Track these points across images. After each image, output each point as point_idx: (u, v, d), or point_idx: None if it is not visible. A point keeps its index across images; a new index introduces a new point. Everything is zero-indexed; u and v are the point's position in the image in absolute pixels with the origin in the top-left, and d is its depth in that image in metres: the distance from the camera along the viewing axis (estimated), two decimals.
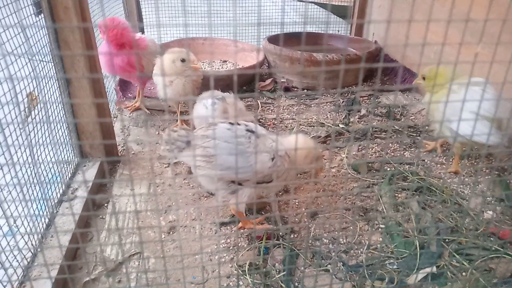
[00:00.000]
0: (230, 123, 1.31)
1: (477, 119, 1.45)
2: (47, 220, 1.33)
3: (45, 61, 1.41)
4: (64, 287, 1.17)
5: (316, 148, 1.32)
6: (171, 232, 1.42)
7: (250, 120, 1.60)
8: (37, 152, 1.26)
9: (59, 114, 1.53)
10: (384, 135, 2.09)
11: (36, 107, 1.25)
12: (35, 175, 1.24)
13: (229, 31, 3.22)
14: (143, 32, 3.17)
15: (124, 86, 2.59)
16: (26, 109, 1.18)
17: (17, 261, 1.10)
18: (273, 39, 2.87)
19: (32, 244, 1.19)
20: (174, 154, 1.28)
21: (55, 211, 1.39)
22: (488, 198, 1.63)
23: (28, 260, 1.15)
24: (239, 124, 1.30)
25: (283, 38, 2.86)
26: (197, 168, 1.28)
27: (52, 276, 1.09)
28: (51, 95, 1.44)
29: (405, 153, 1.94)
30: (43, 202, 1.32)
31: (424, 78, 1.72)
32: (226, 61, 3.05)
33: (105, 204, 1.55)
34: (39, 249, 1.20)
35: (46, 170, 1.35)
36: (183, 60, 1.84)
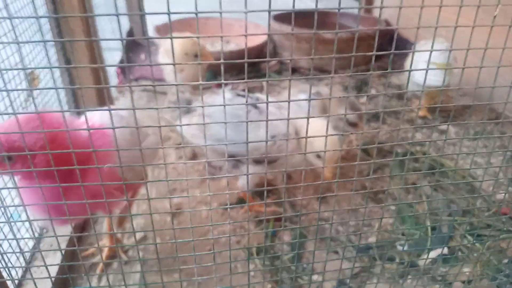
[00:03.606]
0: (238, 94, 1.26)
1: (426, 65, 1.72)
2: None
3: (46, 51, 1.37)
4: (71, 268, 1.16)
5: (337, 151, 1.21)
6: (176, 215, 1.41)
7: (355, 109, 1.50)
8: None
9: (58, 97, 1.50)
10: (394, 115, 2.04)
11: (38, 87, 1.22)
12: None
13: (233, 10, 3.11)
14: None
15: (125, 68, 2.54)
16: None
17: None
18: (278, 18, 2.78)
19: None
20: (176, 116, 1.26)
21: None
22: (500, 180, 1.59)
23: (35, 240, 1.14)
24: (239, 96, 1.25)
25: (289, 16, 2.77)
26: (192, 136, 1.24)
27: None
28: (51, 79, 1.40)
29: (416, 134, 1.89)
30: None
31: None
32: (229, 42, 2.98)
33: None
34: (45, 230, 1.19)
35: None
36: (196, 56, 1.80)
